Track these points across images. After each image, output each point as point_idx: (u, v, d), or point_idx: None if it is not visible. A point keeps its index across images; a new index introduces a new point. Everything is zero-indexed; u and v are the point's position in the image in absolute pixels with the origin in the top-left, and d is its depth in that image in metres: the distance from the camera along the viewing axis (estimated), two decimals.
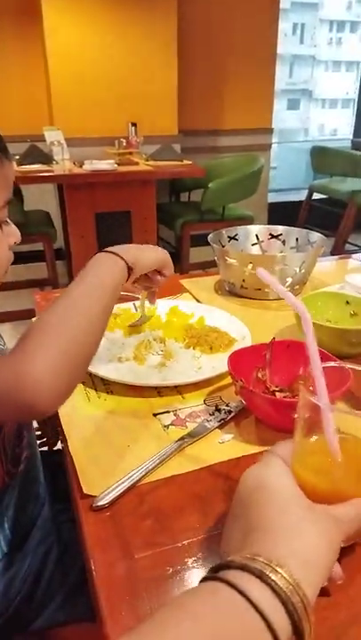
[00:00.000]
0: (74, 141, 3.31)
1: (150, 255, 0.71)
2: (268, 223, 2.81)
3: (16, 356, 0.50)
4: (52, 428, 1.04)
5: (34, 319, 0.99)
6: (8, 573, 0.71)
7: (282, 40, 4.28)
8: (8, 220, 0.64)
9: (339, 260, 1.37)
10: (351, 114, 5.95)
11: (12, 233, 0.65)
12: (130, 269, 0.65)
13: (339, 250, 3.59)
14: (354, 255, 1.36)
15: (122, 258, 0.64)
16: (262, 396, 0.64)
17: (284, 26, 4.08)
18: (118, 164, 2.93)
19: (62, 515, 0.83)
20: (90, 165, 2.81)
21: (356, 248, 3.81)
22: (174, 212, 3.40)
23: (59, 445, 1.00)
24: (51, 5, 3.26)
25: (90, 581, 0.48)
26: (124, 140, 3.47)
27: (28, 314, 1.59)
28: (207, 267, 3.49)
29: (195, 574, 0.46)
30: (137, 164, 3.11)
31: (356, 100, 5.75)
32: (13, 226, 0.65)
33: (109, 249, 0.65)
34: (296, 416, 0.44)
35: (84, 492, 0.55)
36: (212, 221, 3.18)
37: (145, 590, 0.44)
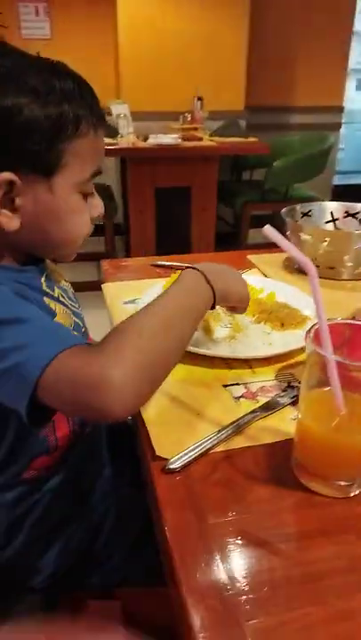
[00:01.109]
0: (138, 115, 3.29)
1: (236, 293, 0.69)
2: None
3: (100, 357, 0.49)
4: None
5: (105, 284, 1.00)
6: (68, 530, 0.73)
7: (356, 17, 4.05)
8: (94, 192, 0.64)
9: None
10: None
11: (97, 205, 0.65)
12: (214, 303, 0.63)
13: None
14: None
15: (213, 289, 0.62)
16: None
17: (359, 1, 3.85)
18: (182, 139, 2.89)
19: (121, 479, 0.85)
20: (154, 139, 2.79)
21: None
22: (235, 190, 3.33)
23: None
24: None
25: (162, 542, 0.48)
26: (189, 115, 3.42)
27: (85, 286, 1.59)
28: (267, 249, 3.42)
29: (268, 545, 0.45)
30: (200, 139, 3.06)
31: None
32: (98, 199, 0.65)
33: (206, 274, 0.62)
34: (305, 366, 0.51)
35: (157, 453, 0.55)
36: (274, 201, 3.10)
37: (220, 555, 0.44)
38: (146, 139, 2.88)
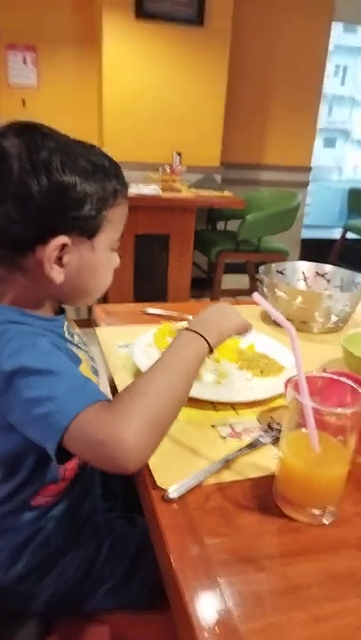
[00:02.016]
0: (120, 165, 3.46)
1: (231, 328, 0.76)
2: (301, 258, 2.91)
3: (114, 418, 0.57)
4: None
5: (98, 328, 1.09)
6: (65, 557, 0.79)
7: (325, 80, 4.45)
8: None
9: None
10: None
11: (117, 259, 0.76)
12: (211, 352, 0.71)
13: None
14: None
15: (208, 343, 0.69)
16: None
17: (327, 67, 4.28)
18: (161, 189, 3.06)
19: (113, 512, 0.91)
20: (136, 189, 2.95)
21: None
22: (210, 239, 3.51)
23: None
24: (111, 37, 3.48)
25: (164, 561, 0.55)
26: (168, 167, 3.62)
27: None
28: (237, 294, 3.58)
29: (255, 562, 0.53)
30: (180, 190, 3.24)
31: None
32: (117, 253, 0.76)
33: (197, 329, 0.70)
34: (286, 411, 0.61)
35: (157, 484, 0.63)
36: (247, 252, 3.28)
37: (215, 571, 0.52)
38: None
